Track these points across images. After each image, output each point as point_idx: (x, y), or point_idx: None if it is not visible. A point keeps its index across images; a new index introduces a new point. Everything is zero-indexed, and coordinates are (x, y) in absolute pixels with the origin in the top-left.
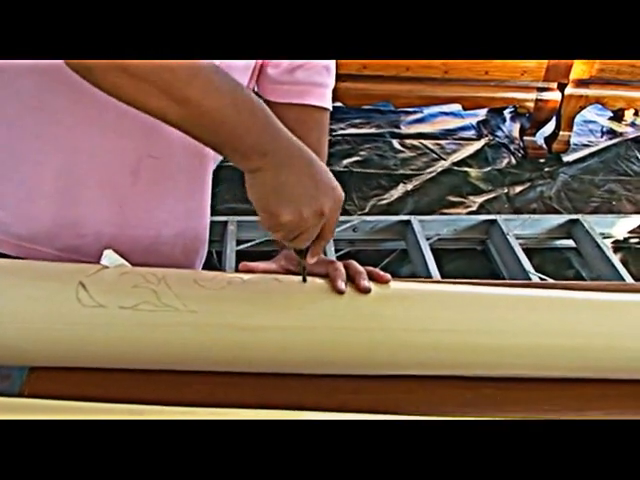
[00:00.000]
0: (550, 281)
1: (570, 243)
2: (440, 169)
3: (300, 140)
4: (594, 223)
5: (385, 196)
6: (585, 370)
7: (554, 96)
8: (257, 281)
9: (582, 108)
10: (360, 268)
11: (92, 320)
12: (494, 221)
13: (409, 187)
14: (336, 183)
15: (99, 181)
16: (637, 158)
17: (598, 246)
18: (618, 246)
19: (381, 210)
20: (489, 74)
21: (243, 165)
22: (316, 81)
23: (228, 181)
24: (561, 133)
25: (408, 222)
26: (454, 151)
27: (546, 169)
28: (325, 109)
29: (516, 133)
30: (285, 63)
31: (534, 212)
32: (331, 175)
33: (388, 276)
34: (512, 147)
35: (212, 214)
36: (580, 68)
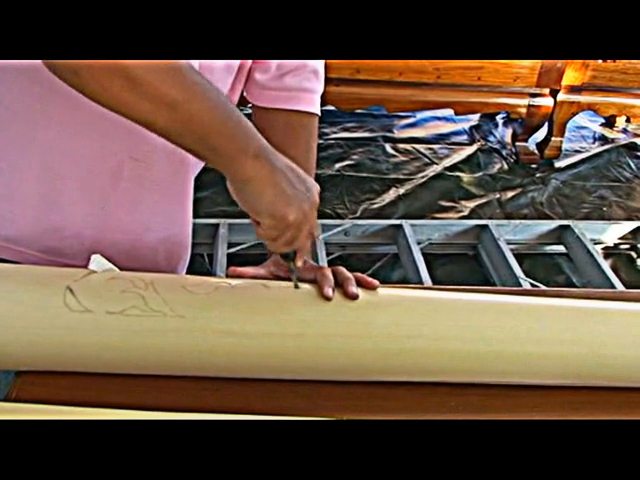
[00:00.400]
0: (541, 287)
1: (561, 249)
2: (432, 174)
3: (289, 145)
4: (585, 229)
5: (377, 200)
6: (572, 377)
7: (546, 102)
8: (245, 287)
9: (574, 114)
10: (348, 274)
11: (79, 325)
12: (485, 226)
13: (401, 191)
14: (308, 176)
15: (80, 183)
16: (628, 164)
17: (588, 252)
18: (608, 252)
19: (373, 214)
20: (482, 79)
21: (235, 171)
22: (305, 87)
23: (219, 184)
24: (553, 139)
25: (400, 226)
26: (446, 156)
27: (538, 175)
28: (314, 114)
29: (508, 138)
30: (273, 69)
31: (525, 217)
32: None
33: (376, 282)
34: (504, 152)
35: (203, 217)
36: (572, 75)
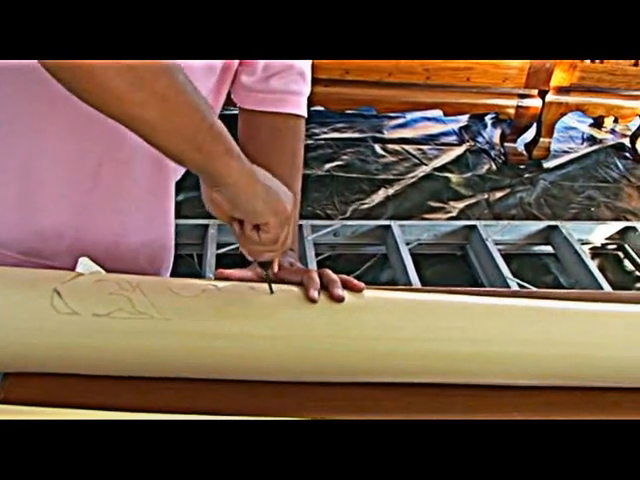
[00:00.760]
0: (528, 287)
1: (548, 249)
2: (421, 174)
3: (276, 147)
4: (572, 229)
5: (366, 201)
6: (557, 378)
7: (535, 103)
8: (232, 289)
9: (562, 115)
10: (334, 276)
11: (67, 327)
12: (474, 227)
13: (390, 192)
14: None
15: (60, 185)
16: (616, 165)
17: (576, 252)
18: (596, 252)
19: (362, 214)
20: (471, 80)
21: (220, 174)
22: (291, 89)
23: None
24: (541, 139)
25: (388, 227)
26: (435, 156)
27: (526, 175)
28: (300, 116)
29: (497, 139)
30: (259, 71)
31: (514, 218)
32: None
33: (362, 284)
34: (493, 153)
35: (192, 217)
36: (561, 75)
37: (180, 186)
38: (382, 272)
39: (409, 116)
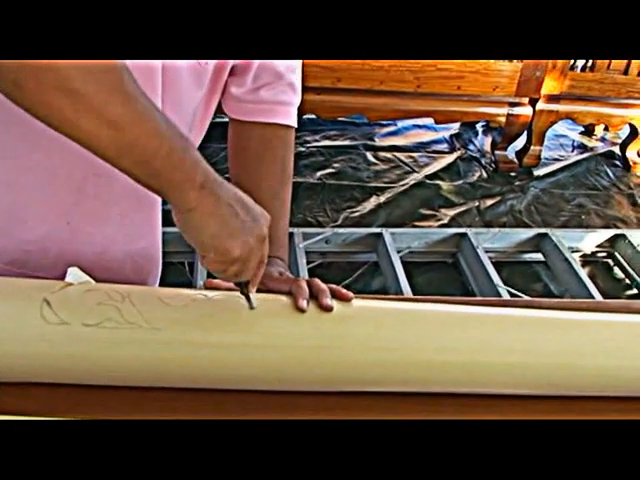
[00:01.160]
0: (519, 294)
1: (539, 257)
2: (413, 182)
3: (265, 157)
4: (562, 237)
5: (358, 208)
6: (545, 387)
7: (525, 111)
8: (221, 299)
9: (553, 123)
10: (323, 286)
11: (56, 337)
12: (464, 234)
13: (382, 199)
14: (258, 206)
15: (44, 198)
16: (606, 173)
17: (566, 260)
18: (586, 260)
19: (354, 222)
20: (461, 89)
21: (178, 200)
22: (281, 99)
23: None
24: (532, 147)
25: (380, 235)
26: (427, 164)
27: (517, 183)
28: (290, 127)
29: (488, 147)
30: (249, 82)
31: (504, 225)
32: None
33: (350, 294)
34: (484, 161)
35: None
36: (551, 84)
37: None
38: (373, 280)
39: (400, 124)
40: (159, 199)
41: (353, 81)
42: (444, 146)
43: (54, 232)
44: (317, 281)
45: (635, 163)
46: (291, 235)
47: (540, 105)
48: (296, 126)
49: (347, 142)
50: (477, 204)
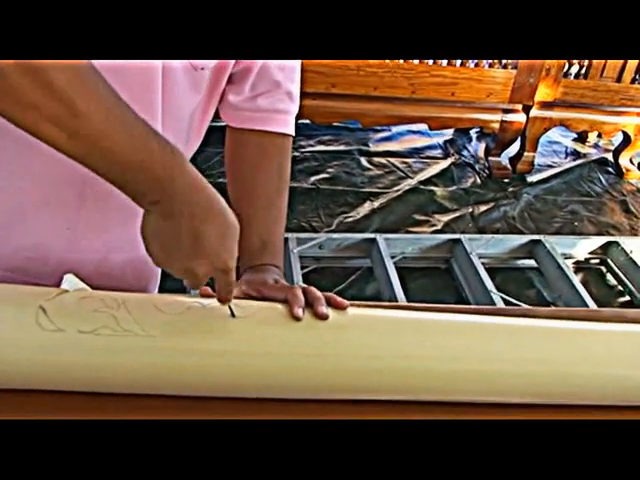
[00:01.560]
0: (512, 301)
1: (532, 263)
2: (407, 187)
3: (262, 165)
4: (555, 244)
5: (352, 213)
6: (537, 396)
7: (519, 118)
8: (217, 306)
9: (546, 130)
10: (318, 294)
11: (51, 344)
12: (458, 240)
13: (376, 205)
14: (227, 246)
15: (44, 205)
16: (600, 180)
17: (559, 266)
18: (579, 267)
19: (348, 227)
20: (455, 95)
21: (137, 203)
22: (278, 108)
23: None
24: (525, 154)
25: (374, 240)
26: (421, 170)
27: (510, 189)
28: (287, 135)
29: (482, 153)
30: (247, 90)
31: (498, 231)
32: (228, 235)
33: (346, 302)
34: (477, 167)
35: None
36: (545, 91)
37: None
38: (367, 285)
39: (395, 129)
40: None
41: (347, 87)
42: (438, 152)
43: (54, 239)
44: (313, 289)
45: (628, 170)
46: (285, 240)
47: (534, 112)
48: (293, 134)
49: (341, 147)
50: (471, 210)
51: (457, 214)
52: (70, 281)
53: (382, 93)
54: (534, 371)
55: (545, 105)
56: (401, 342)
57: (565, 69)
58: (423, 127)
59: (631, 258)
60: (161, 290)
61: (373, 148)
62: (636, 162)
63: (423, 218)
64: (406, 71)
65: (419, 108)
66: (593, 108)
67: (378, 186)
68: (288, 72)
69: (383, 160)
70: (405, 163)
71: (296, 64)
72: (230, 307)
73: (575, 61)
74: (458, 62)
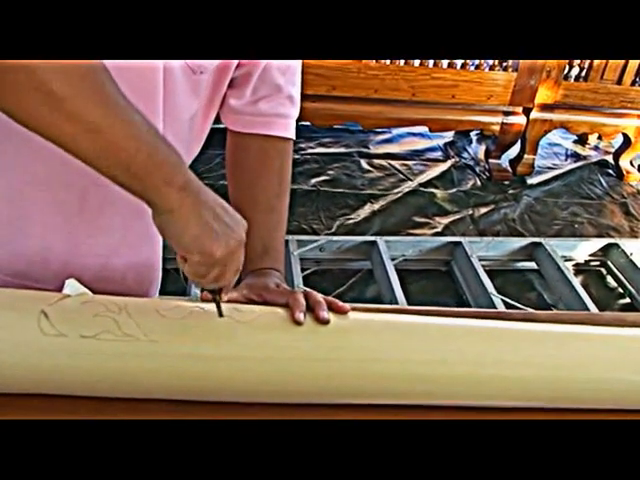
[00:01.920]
0: (512, 303)
1: (532, 265)
2: (407, 189)
3: (263, 169)
4: (556, 246)
5: (352, 216)
6: (542, 400)
7: (519, 120)
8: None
9: (547, 132)
10: (320, 298)
11: (53, 348)
12: (458, 243)
13: (376, 207)
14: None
15: (46, 209)
16: (600, 182)
17: (559, 269)
18: (579, 269)
19: (348, 230)
20: (456, 97)
21: (159, 202)
22: (279, 112)
23: None
24: (526, 156)
25: (374, 243)
26: (421, 172)
27: (510, 191)
28: (288, 139)
29: (482, 155)
30: (248, 94)
31: (498, 234)
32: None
33: (347, 307)
34: (478, 169)
35: None
36: (545, 93)
37: None
38: (367, 287)
39: (395, 131)
40: None
41: (348, 89)
42: (438, 154)
43: (56, 244)
44: (314, 293)
45: (628, 172)
46: (286, 243)
47: (534, 114)
48: (294, 138)
49: (342, 149)
50: (471, 212)
51: (457, 216)
52: (72, 286)
53: (383, 95)
54: (534, 375)
55: (545, 107)
56: (402, 346)
57: (565, 71)
58: (423, 129)
59: (631, 260)
60: (162, 294)
61: (373, 150)
62: (636, 164)
63: (423, 220)
64: (406, 73)
65: (419, 110)
66: (593, 110)
67: (378, 188)
68: (289, 76)
69: (383, 162)
70: (405, 165)
71: (297, 68)
72: (218, 306)
73: (575, 63)
74: (459, 64)
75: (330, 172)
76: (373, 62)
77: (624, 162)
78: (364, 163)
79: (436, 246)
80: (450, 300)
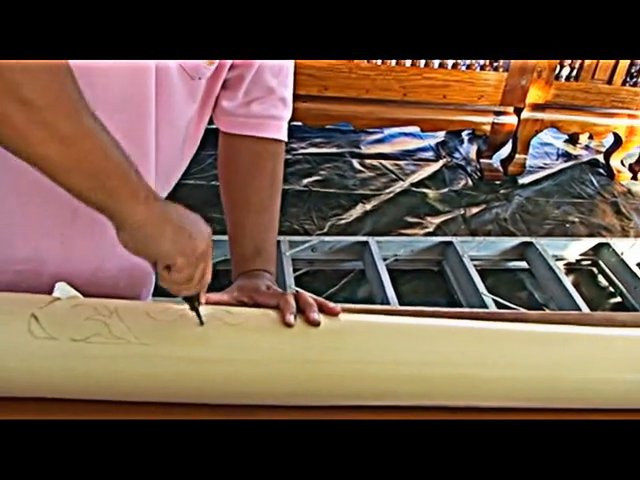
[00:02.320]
0: (504, 303)
1: (524, 265)
2: (399, 190)
3: (255, 170)
4: (547, 245)
5: (344, 216)
6: (532, 401)
7: (510, 120)
8: (209, 313)
9: (538, 132)
10: (310, 300)
11: (44, 352)
12: (450, 243)
13: (368, 207)
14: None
15: (39, 219)
16: (591, 181)
17: (551, 268)
18: (570, 268)
19: (340, 230)
20: (447, 97)
21: (127, 215)
22: (271, 114)
23: (187, 199)
24: (517, 156)
25: (366, 243)
26: (412, 172)
27: (502, 191)
28: (280, 141)
29: (473, 155)
30: (240, 96)
31: (489, 233)
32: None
33: (338, 308)
34: (469, 169)
35: None
36: (536, 93)
37: None
38: (359, 288)
39: (387, 131)
40: None
41: (339, 89)
42: (430, 154)
43: (48, 252)
44: (305, 295)
45: (619, 171)
46: (278, 243)
47: (525, 114)
48: (286, 140)
49: (333, 150)
50: (462, 212)
51: (449, 216)
52: (62, 289)
53: (374, 96)
54: (525, 376)
55: (536, 107)
56: (393, 348)
57: (556, 71)
58: (415, 129)
59: (622, 259)
60: (156, 295)
61: (365, 150)
62: (627, 164)
63: (415, 220)
64: (398, 74)
65: (411, 110)
66: (584, 110)
67: (370, 188)
68: (282, 78)
69: (375, 162)
70: (397, 165)
71: (289, 70)
72: (198, 314)
73: (566, 63)
74: (450, 64)
75: (322, 172)
76: (364, 62)
77: (615, 161)
78: (356, 163)
79: (428, 246)
80: (442, 300)
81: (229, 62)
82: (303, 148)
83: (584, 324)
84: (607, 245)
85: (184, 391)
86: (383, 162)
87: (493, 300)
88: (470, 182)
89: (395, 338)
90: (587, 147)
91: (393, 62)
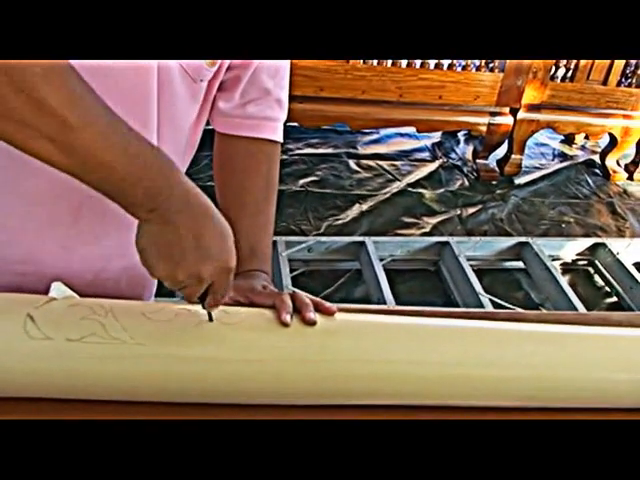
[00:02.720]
0: (500, 302)
1: (520, 265)
2: (395, 190)
3: (250, 171)
4: (543, 245)
5: (341, 216)
6: (527, 400)
7: (506, 120)
8: (204, 313)
9: (534, 132)
10: (306, 300)
11: (40, 352)
12: (446, 243)
13: (364, 207)
14: (228, 246)
15: (41, 222)
16: (587, 182)
17: (547, 268)
18: (566, 268)
19: (336, 230)
20: (443, 98)
21: (133, 214)
22: (267, 115)
23: None
24: (513, 156)
25: (362, 243)
26: (409, 172)
27: (498, 191)
28: (276, 142)
29: (469, 155)
30: (237, 97)
31: (485, 234)
32: (226, 235)
33: (334, 308)
34: (465, 169)
35: None
36: (532, 93)
37: None
38: (356, 288)
39: (383, 132)
40: None
41: (335, 90)
42: (426, 154)
43: (49, 255)
44: (301, 295)
45: (615, 172)
46: (274, 243)
47: (521, 114)
48: (282, 141)
49: (330, 150)
50: (459, 212)
51: (445, 216)
52: (58, 289)
53: (370, 96)
54: (520, 375)
55: (532, 108)
56: (388, 347)
57: (552, 72)
58: (411, 130)
59: (618, 259)
60: (158, 295)
61: (361, 151)
62: (623, 164)
63: (411, 221)
64: (394, 74)
65: (407, 111)
66: (580, 111)
67: (367, 189)
68: (278, 80)
69: (371, 163)
70: (393, 166)
71: (286, 72)
72: (209, 316)
73: (562, 64)
74: (445, 65)
75: (318, 173)
76: (360, 63)
77: (610, 162)
78: (352, 164)
79: (424, 246)
80: (438, 300)
81: (227, 63)
82: (299, 149)
83: (580, 324)
84: (603, 245)
85: (180, 391)
86: (379, 162)
87: (489, 300)
88: (466, 182)
89: (391, 337)
90: (583, 147)
91: (389, 63)
